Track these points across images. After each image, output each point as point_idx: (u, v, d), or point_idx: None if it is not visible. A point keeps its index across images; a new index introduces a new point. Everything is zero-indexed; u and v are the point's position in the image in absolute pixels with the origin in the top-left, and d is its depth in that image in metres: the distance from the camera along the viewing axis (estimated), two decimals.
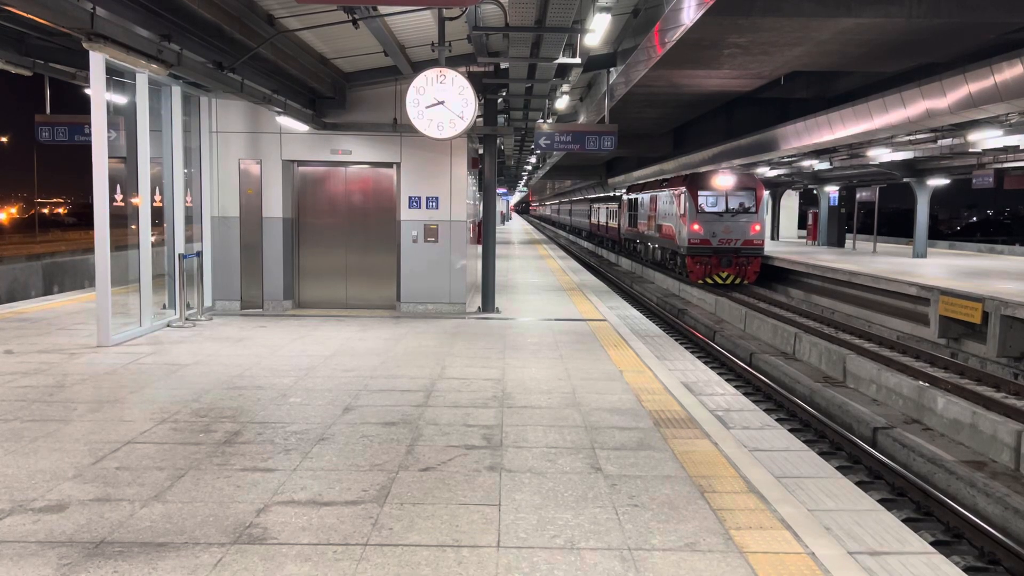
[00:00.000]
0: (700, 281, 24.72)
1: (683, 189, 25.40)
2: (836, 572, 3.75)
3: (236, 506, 4.43)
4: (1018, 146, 19.39)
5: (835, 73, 19.22)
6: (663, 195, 28.29)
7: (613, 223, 40.86)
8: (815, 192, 35.85)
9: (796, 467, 5.25)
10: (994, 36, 14.21)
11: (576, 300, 14.40)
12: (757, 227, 24.81)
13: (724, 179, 25.05)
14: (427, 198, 12.15)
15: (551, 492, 4.70)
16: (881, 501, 7.85)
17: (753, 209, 24.79)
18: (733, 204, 24.81)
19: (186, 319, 10.70)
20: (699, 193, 24.86)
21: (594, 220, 49.05)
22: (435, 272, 12.24)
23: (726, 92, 21.49)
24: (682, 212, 25.47)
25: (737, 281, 24.90)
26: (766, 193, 27.39)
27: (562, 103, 15.14)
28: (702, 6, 8.90)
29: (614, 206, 40.65)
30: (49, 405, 6.53)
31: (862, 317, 18.77)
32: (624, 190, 39.03)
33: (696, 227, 24.69)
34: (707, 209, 24.75)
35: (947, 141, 19.01)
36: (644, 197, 31.93)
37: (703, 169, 26.01)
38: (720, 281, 24.80)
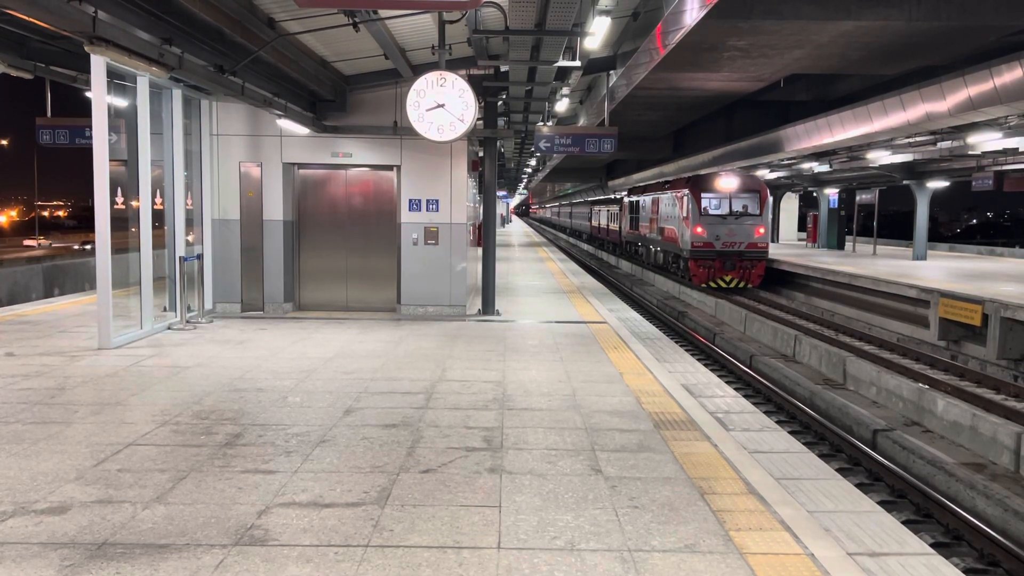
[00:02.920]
0: (703, 285, 24.39)
1: (686, 191, 25.03)
2: (835, 573, 3.76)
3: (237, 508, 4.44)
4: (1017, 148, 19.39)
5: (835, 76, 19.25)
6: (665, 197, 27.91)
7: (614, 226, 40.50)
8: (815, 194, 35.86)
9: (796, 469, 5.27)
10: (993, 39, 14.22)
11: (576, 302, 14.41)
12: (761, 230, 24.40)
13: (728, 181, 24.64)
14: (427, 201, 12.17)
15: (551, 494, 4.71)
16: (881, 503, 7.85)
17: (757, 212, 24.40)
18: (737, 207, 24.43)
19: (187, 321, 10.71)
20: (702, 195, 24.46)
21: (595, 223, 48.89)
22: (435, 275, 12.25)
23: (726, 95, 21.51)
24: (685, 215, 25.09)
25: (741, 285, 24.54)
26: (770, 196, 27.07)
27: (562, 106, 15.17)
28: (703, 7, 8.93)
29: (615, 208, 40.22)
30: (50, 407, 6.54)
31: (862, 319, 18.79)
32: (625, 192, 38.66)
33: (699, 230, 24.31)
34: (710, 212, 24.35)
35: (946, 143, 19.03)
36: (646, 199, 31.53)
37: (706, 171, 25.68)
38: (724, 285, 24.44)
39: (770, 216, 25.95)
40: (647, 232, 31.33)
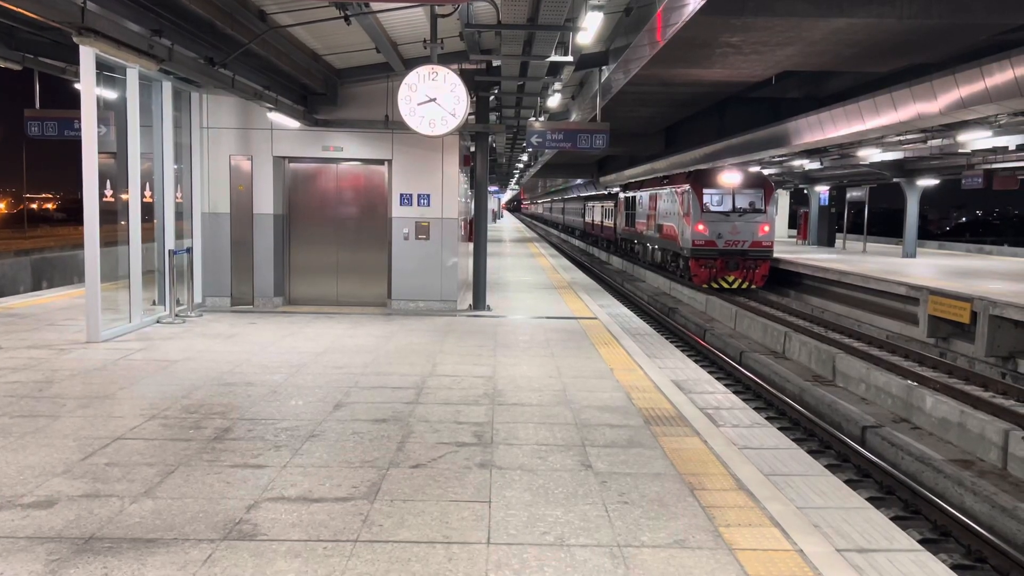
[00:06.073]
0: (705, 285, 23.31)
1: (686, 187, 23.99)
2: (824, 569, 3.77)
3: (226, 502, 4.42)
4: (1007, 147, 19.50)
5: (827, 73, 19.27)
6: (664, 193, 26.85)
7: (609, 222, 39.67)
8: (805, 192, 36.00)
9: (785, 465, 5.28)
10: (985, 37, 14.28)
11: (567, 298, 14.41)
12: (766, 228, 23.21)
13: (731, 176, 23.50)
14: (419, 195, 12.14)
15: (541, 489, 4.71)
16: (870, 499, 7.89)
17: (762, 208, 23.31)
18: (741, 203, 23.29)
19: (176, 315, 10.66)
20: (704, 191, 23.31)
21: (588, 219, 48.44)
22: (426, 270, 12.23)
23: (718, 91, 21.52)
24: (685, 211, 24.00)
25: (744, 286, 23.48)
26: (776, 192, 26.06)
27: (554, 101, 15.13)
28: (698, 1, 8.91)
29: (610, 204, 39.42)
30: (38, 401, 6.50)
31: (852, 316, 18.86)
32: (620, 188, 38.01)
33: (700, 227, 23.14)
34: (712, 208, 23.24)
35: (937, 142, 19.11)
36: (643, 195, 30.40)
37: (706, 166, 24.80)
38: (726, 286, 23.40)
39: (775, 213, 25.03)
40: (644, 229, 30.29)
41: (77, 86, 9.16)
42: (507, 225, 68.63)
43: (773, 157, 24.36)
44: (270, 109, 10.37)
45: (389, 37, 9.86)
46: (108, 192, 9.94)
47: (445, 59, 10.21)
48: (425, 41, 9.34)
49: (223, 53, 8.53)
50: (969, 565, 6.92)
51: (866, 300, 18.73)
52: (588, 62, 13.31)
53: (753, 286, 23.75)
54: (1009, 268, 22.56)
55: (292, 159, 12.31)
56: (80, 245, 9.84)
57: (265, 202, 12.04)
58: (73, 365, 7.86)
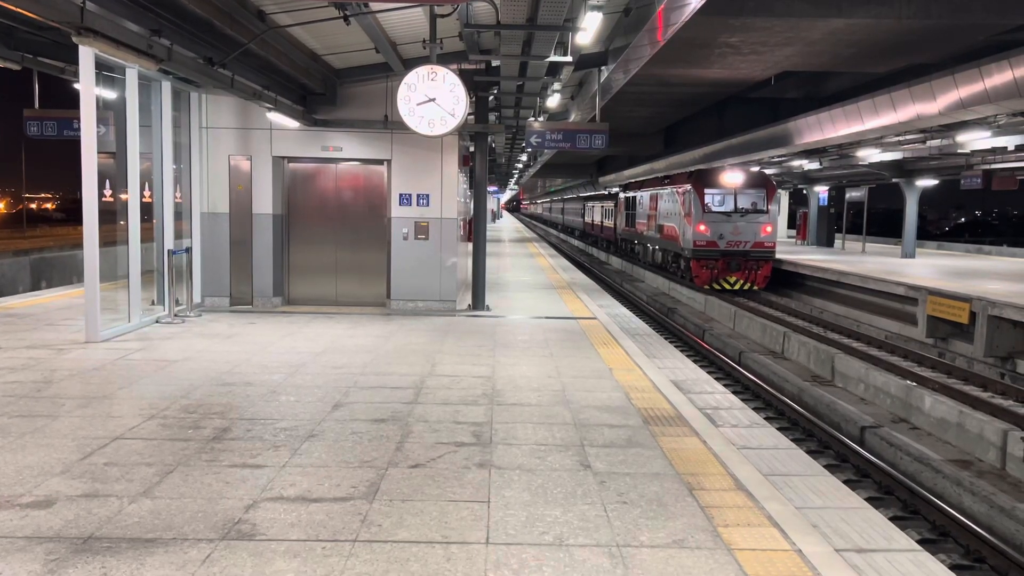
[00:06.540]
0: (706, 287, 23.12)
1: (688, 187, 23.67)
2: (823, 569, 3.77)
3: (225, 502, 4.42)
4: (1006, 147, 19.51)
5: (825, 73, 19.29)
6: (665, 193, 26.65)
7: (608, 222, 39.47)
8: (804, 192, 36.00)
9: (784, 465, 5.28)
10: (984, 37, 14.29)
11: (566, 298, 14.41)
12: (769, 228, 23.11)
13: (733, 176, 23.30)
14: (418, 195, 12.14)
15: (540, 489, 4.71)
16: (868, 499, 7.89)
17: (764, 209, 23.16)
18: (743, 203, 23.10)
19: (175, 315, 10.66)
20: (706, 191, 23.08)
21: (588, 219, 48.30)
22: (425, 269, 12.23)
23: (717, 91, 21.52)
24: (687, 212, 23.79)
25: (746, 287, 23.27)
26: (778, 192, 25.84)
27: (553, 101, 15.14)
28: (698, 1, 8.91)
29: (610, 204, 39.22)
30: (37, 401, 6.49)
31: (851, 316, 18.86)
32: (620, 188, 37.78)
33: (702, 228, 22.85)
34: (714, 208, 22.93)
35: (936, 142, 19.12)
36: (644, 195, 30.18)
37: (705, 166, 24.69)
38: (728, 287, 23.19)
39: (777, 213, 24.78)
40: (644, 230, 30.09)
41: (76, 86, 9.15)
42: (506, 225, 68.64)
43: (772, 157, 24.33)
44: (269, 109, 10.37)
45: (388, 37, 9.85)
46: (107, 192, 9.93)
47: (444, 59, 10.20)
48: (424, 41, 9.34)
49: (222, 53, 8.53)
50: (968, 565, 6.92)
51: (865, 300, 18.74)
52: (587, 62, 13.32)
53: (755, 287, 23.59)
54: (1008, 268, 22.58)
55: (291, 159, 12.31)
56: (79, 245, 9.84)
57: (264, 202, 12.03)
58: (72, 365, 7.86)
